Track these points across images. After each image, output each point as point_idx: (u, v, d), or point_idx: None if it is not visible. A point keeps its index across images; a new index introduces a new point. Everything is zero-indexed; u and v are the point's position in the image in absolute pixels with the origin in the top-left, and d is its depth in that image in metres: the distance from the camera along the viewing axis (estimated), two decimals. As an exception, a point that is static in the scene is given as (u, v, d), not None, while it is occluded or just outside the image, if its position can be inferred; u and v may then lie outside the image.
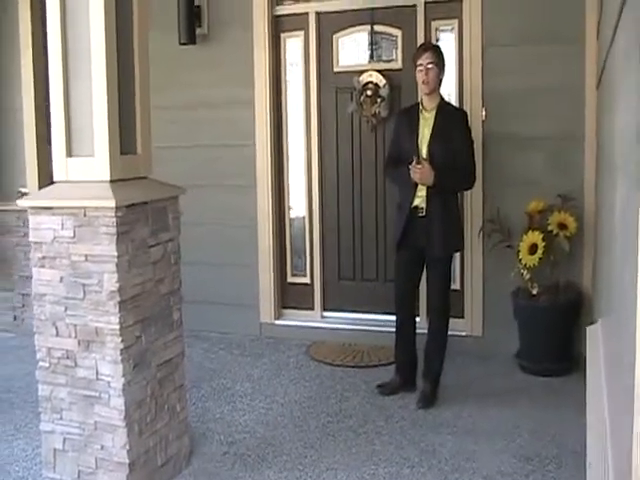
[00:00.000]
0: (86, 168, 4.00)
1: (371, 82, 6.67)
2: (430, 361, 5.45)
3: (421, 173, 5.13)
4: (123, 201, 3.88)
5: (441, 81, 5.36)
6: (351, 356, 6.46)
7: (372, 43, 6.74)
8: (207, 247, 7.19)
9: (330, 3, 6.84)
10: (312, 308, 7.15)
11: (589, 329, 3.64)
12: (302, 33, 6.95)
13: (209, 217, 7.19)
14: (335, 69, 6.89)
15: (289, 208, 7.20)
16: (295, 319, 7.18)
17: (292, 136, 7.14)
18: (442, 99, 5.40)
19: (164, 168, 6.94)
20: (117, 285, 3.88)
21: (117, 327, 3.90)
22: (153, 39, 6.98)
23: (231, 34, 7.00)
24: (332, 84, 6.89)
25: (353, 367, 6.23)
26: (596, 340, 3.35)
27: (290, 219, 7.22)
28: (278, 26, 7.01)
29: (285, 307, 7.26)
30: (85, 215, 3.92)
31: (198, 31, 6.97)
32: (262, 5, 6.87)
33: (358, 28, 6.79)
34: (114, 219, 3.84)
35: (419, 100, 5.45)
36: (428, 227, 5.24)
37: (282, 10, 6.99)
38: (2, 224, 7.47)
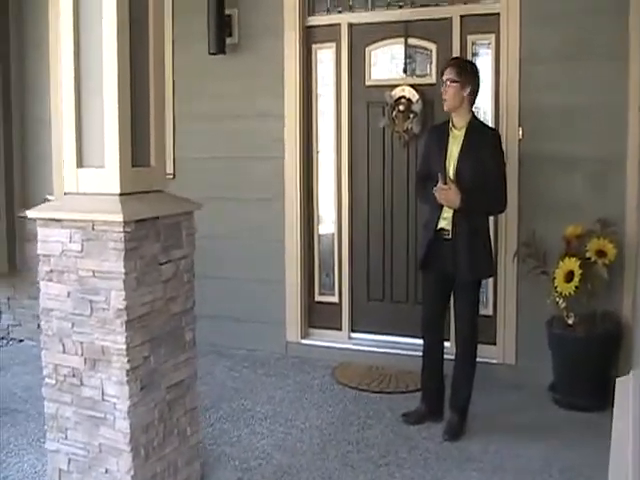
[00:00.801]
0: (96, 180, 3.85)
1: (404, 97, 6.48)
2: (457, 391, 5.22)
3: (446, 195, 4.93)
4: (132, 215, 3.71)
5: (470, 99, 5.12)
6: (377, 380, 6.23)
7: (406, 57, 6.54)
8: (233, 261, 7.07)
9: (363, 15, 6.68)
10: (340, 328, 6.96)
11: (619, 381, 3.35)
12: (334, 45, 6.78)
13: (236, 230, 7.05)
14: (367, 82, 6.71)
15: (318, 220, 7.02)
16: (322, 339, 6.98)
17: (322, 150, 6.98)
18: (474, 117, 5.18)
19: (191, 179, 7.01)
20: (124, 303, 3.71)
21: (124, 347, 3.73)
22: (182, 49, 7.11)
23: (262, 44, 6.86)
24: (364, 98, 6.71)
25: (378, 392, 6.00)
26: (626, 395, 3.08)
27: (319, 235, 7.04)
28: (310, 37, 6.85)
29: (312, 326, 7.07)
30: (93, 229, 3.76)
31: (228, 41, 6.83)
32: (293, 15, 6.72)
33: (391, 41, 6.61)
34: (122, 234, 3.67)
35: (450, 117, 5.23)
36: (454, 250, 5.03)
37: (314, 21, 6.83)
38: (29, 232, 7.36)
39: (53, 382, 4.00)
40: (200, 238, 6.63)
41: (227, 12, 6.79)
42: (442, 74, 5.14)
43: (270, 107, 6.83)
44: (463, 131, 5.08)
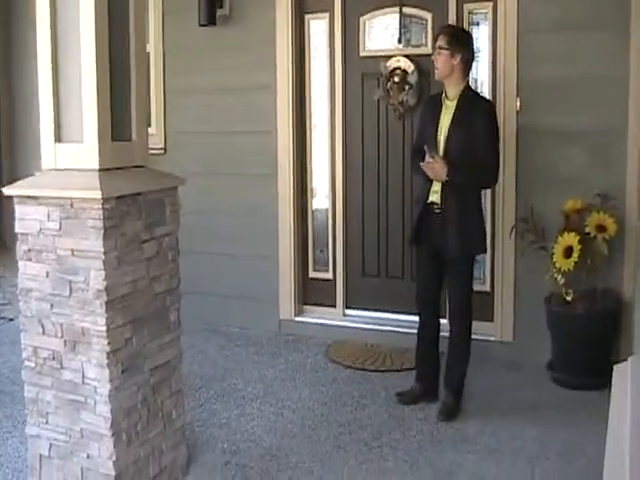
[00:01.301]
0: (75, 155, 3.71)
1: (399, 68, 6.30)
2: (451, 370, 5.09)
3: (433, 168, 4.80)
4: (112, 192, 3.56)
5: (463, 67, 4.93)
6: (372, 359, 6.11)
7: (401, 26, 6.33)
8: (226, 237, 6.94)
9: (357, -17, 6.49)
10: (334, 305, 6.83)
11: (616, 368, 3.21)
12: (327, 15, 6.59)
13: (227, 205, 6.92)
14: (361, 53, 6.53)
15: (312, 195, 6.87)
16: (316, 316, 6.86)
17: (315, 123, 6.81)
18: (468, 87, 5.02)
19: (183, 153, 6.90)
20: (104, 283, 3.56)
21: (104, 328, 3.60)
22: (172, 21, 6.96)
23: (253, 15, 6.68)
24: (358, 69, 6.53)
25: (373, 371, 5.88)
26: (624, 382, 2.94)
27: (313, 211, 6.90)
28: (302, 7, 6.66)
29: (306, 303, 6.94)
30: (72, 206, 3.61)
31: (219, 12, 6.65)
32: (285, -15, 6.54)
33: (386, 10, 6.41)
34: (101, 212, 3.52)
35: (443, 87, 5.08)
36: (443, 225, 4.89)
37: (307, -10, 6.66)
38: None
39: (33, 365, 3.87)
40: (192, 213, 6.58)
41: (218, -18, 6.63)
42: (435, 42, 4.99)
43: (262, 80, 6.67)
44: (455, 102, 4.92)
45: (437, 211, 4.93)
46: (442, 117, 4.94)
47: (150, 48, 7.04)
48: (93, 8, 3.54)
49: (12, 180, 6.98)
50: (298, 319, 6.85)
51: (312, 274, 6.94)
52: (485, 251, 5.23)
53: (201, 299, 6.80)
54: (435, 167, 4.78)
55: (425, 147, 4.81)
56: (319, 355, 6.26)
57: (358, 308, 6.76)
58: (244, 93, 6.76)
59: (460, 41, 4.92)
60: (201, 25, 6.62)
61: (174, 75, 7.03)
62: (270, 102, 6.67)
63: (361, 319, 6.69)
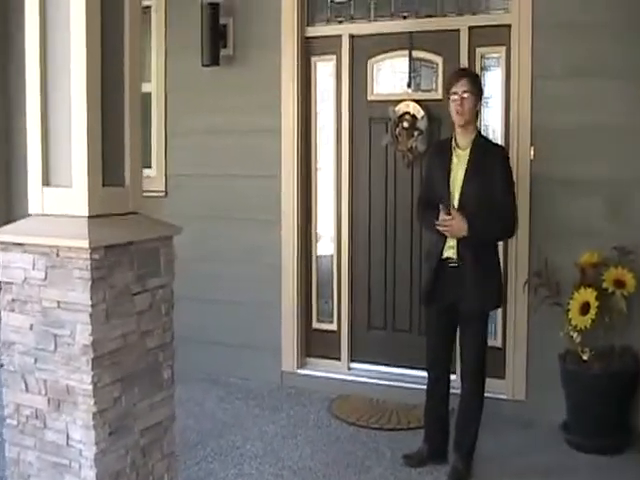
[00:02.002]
0: (63, 200, 3.46)
1: (408, 113, 6.12)
2: (462, 431, 4.82)
3: (451, 226, 4.55)
4: (100, 241, 3.31)
5: (478, 113, 4.80)
6: (377, 416, 5.85)
7: (410, 70, 6.17)
8: (228, 284, 6.75)
9: (365, 25, 6.32)
10: (338, 358, 6.58)
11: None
12: (334, 57, 6.44)
13: (231, 252, 6.74)
14: (369, 97, 6.36)
15: (317, 242, 6.67)
16: (319, 369, 6.62)
17: (321, 168, 6.63)
18: (479, 134, 4.82)
19: (184, 197, 6.78)
20: (91, 338, 3.31)
21: (90, 387, 3.33)
22: (174, 60, 6.78)
23: (258, 56, 6.53)
24: (366, 113, 6.36)
25: (378, 429, 5.62)
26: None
27: (317, 258, 6.69)
28: (309, 49, 6.50)
29: (309, 355, 6.71)
30: (58, 255, 3.37)
31: (223, 52, 6.52)
32: (291, 25, 6.39)
33: (395, 53, 6.26)
34: (88, 262, 3.27)
35: (452, 135, 4.87)
36: (460, 280, 4.63)
37: (313, 32, 6.49)
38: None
39: (15, 423, 3.60)
40: (193, 260, 6.41)
41: (222, 21, 6.49)
42: (450, 86, 4.76)
43: (266, 122, 6.50)
44: (468, 151, 4.70)
45: (452, 266, 4.70)
46: (454, 168, 4.72)
47: (152, 88, 6.95)
48: (84, 45, 3.33)
49: (7, 222, 6.80)
50: (301, 371, 6.62)
51: (316, 325, 6.72)
52: (500, 305, 5.01)
53: (201, 348, 6.64)
54: (453, 224, 4.54)
55: (441, 206, 4.56)
56: (322, 411, 6.00)
57: (363, 361, 6.52)
58: (248, 136, 6.59)
59: (480, 86, 4.79)
60: (204, 65, 6.48)
61: (176, 116, 6.89)
62: (274, 145, 6.49)
63: (366, 373, 6.45)
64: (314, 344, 6.69)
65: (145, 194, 6.73)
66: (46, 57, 3.48)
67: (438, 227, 4.58)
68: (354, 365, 6.54)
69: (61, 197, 3.47)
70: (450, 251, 4.69)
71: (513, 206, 4.69)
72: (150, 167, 7.00)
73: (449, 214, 4.53)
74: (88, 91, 3.35)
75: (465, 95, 4.65)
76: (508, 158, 4.85)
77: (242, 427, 5.67)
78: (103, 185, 3.47)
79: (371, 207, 6.42)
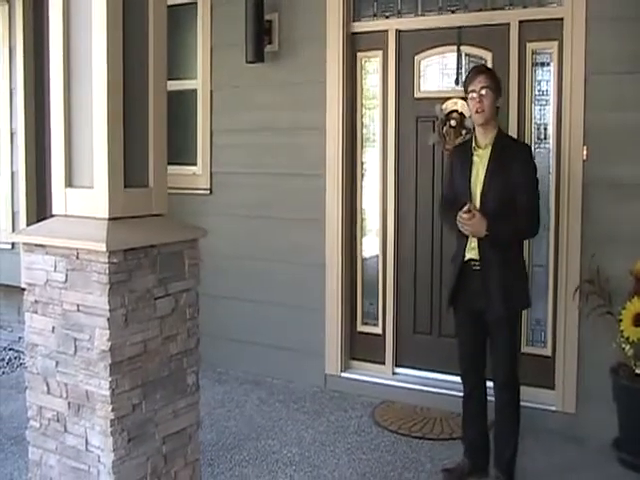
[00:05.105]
0: (85, 201, 3.42)
1: (456, 111, 5.96)
2: (500, 445, 4.64)
3: (471, 225, 4.39)
4: (119, 244, 3.23)
5: (497, 110, 4.62)
6: (420, 424, 5.69)
7: (458, 67, 5.98)
8: (270, 284, 6.66)
9: (412, 20, 6.15)
10: (383, 362, 6.43)
11: None
12: (380, 53, 6.28)
13: (273, 251, 6.65)
14: (416, 95, 6.19)
15: (362, 243, 6.52)
16: (363, 373, 6.47)
17: (366, 167, 6.49)
18: (500, 132, 4.64)
19: (228, 195, 6.77)
20: (108, 344, 3.24)
21: (107, 393, 3.27)
22: (219, 56, 6.71)
23: (303, 52, 6.42)
24: (412, 111, 6.19)
25: (420, 438, 5.46)
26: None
27: (362, 260, 6.53)
28: (354, 45, 6.36)
29: (353, 358, 6.55)
30: (78, 258, 3.32)
31: (268, 48, 6.43)
32: (337, 21, 6.25)
33: (443, 49, 6.07)
34: (106, 265, 3.20)
35: (473, 135, 4.74)
36: (483, 283, 4.49)
37: (359, 27, 6.34)
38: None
39: (37, 425, 3.58)
40: (236, 258, 6.30)
41: (267, 17, 6.40)
42: (468, 85, 4.60)
43: (311, 120, 6.39)
44: (489, 149, 4.55)
45: (476, 268, 4.55)
46: (474, 168, 4.58)
47: (197, 85, 6.92)
48: (105, 45, 3.27)
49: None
50: (344, 375, 6.47)
51: (360, 328, 6.57)
52: (529, 305, 4.79)
53: (243, 348, 6.65)
54: (473, 223, 4.39)
55: (468, 205, 4.41)
56: (364, 417, 5.86)
57: (408, 366, 6.36)
58: (293, 133, 6.50)
59: (498, 81, 4.63)
60: (249, 62, 6.41)
61: (221, 113, 6.83)
62: (319, 143, 6.38)
63: (411, 378, 6.29)
64: (358, 347, 6.55)
65: (190, 192, 6.79)
66: (69, 58, 3.45)
67: (458, 224, 4.44)
68: (398, 370, 6.39)
69: (83, 198, 3.43)
70: (472, 252, 4.55)
71: (535, 205, 4.50)
72: (195, 165, 6.97)
73: (469, 212, 4.38)
74: (109, 92, 3.30)
75: (483, 92, 4.51)
76: (531, 154, 4.69)
77: (280, 431, 5.57)
78: (125, 186, 3.40)
79: (417, 207, 6.25)
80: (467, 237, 4.54)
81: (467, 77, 4.70)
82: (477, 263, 4.52)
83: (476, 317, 4.61)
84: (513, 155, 4.51)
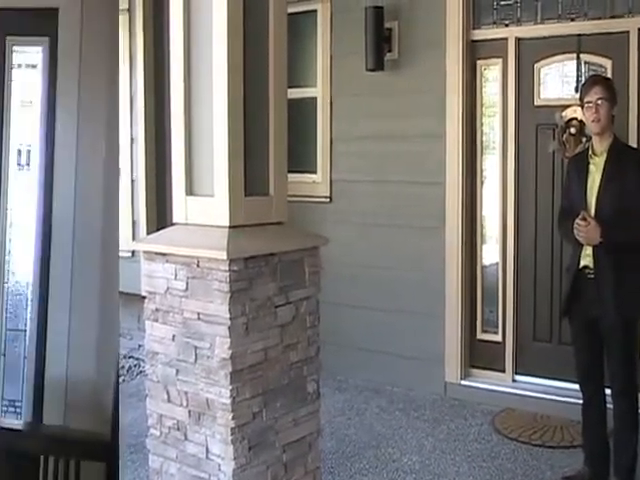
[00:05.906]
0: (205, 210, 3.47)
1: (575, 119, 5.83)
2: (619, 453, 4.52)
3: (586, 232, 4.33)
4: (240, 252, 3.27)
5: (613, 119, 4.54)
6: (540, 432, 5.60)
7: (578, 74, 5.89)
8: (389, 292, 6.63)
9: (532, 28, 6.07)
10: (503, 370, 6.35)
11: None
12: (500, 61, 6.22)
13: (391, 259, 6.61)
14: (536, 102, 6.11)
15: (482, 251, 6.46)
16: (483, 381, 6.40)
17: (485, 175, 6.43)
18: (615, 139, 4.55)
19: (347, 202, 6.80)
20: (229, 352, 3.27)
21: (228, 401, 3.30)
22: (339, 64, 6.73)
23: (423, 60, 6.38)
24: (532, 119, 6.11)
25: (540, 446, 5.37)
26: None
27: (482, 267, 6.47)
28: (474, 52, 6.31)
29: (473, 366, 6.49)
30: (198, 266, 3.36)
31: (388, 56, 6.43)
32: (457, 29, 6.21)
33: (562, 57, 5.99)
34: (227, 274, 3.24)
35: (589, 144, 4.69)
36: (599, 290, 4.40)
37: (479, 35, 6.28)
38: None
39: (157, 434, 3.64)
40: (356, 266, 6.31)
41: (387, 25, 6.40)
42: (584, 95, 4.56)
43: (431, 128, 6.35)
44: (604, 157, 4.49)
45: (591, 276, 4.47)
46: (590, 176, 4.53)
47: (318, 93, 6.95)
48: (226, 53, 3.31)
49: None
50: (464, 382, 6.42)
51: (480, 335, 6.50)
52: None
53: (363, 356, 6.63)
54: (588, 229, 4.33)
55: (583, 213, 4.36)
56: (484, 425, 5.79)
57: (528, 374, 6.27)
58: (412, 141, 6.46)
59: (614, 91, 4.57)
60: (368, 70, 6.41)
61: (341, 121, 6.84)
62: (439, 151, 6.33)
63: (531, 386, 6.19)
64: (478, 355, 6.48)
65: (310, 200, 6.81)
66: (189, 68, 3.49)
67: (574, 231, 4.38)
68: (518, 377, 6.30)
69: (204, 207, 3.47)
70: (587, 259, 4.47)
71: None
72: (315, 173, 7.00)
73: (584, 220, 4.32)
74: (230, 101, 3.34)
75: (599, 102, 4.46)
76: None
77: (401, 439, 5.55)
78: (246, 195, 3.43)
79: (537, 214, 6.17)
80: (582, 245, 4.47)
81: (583, 88, 4.68)
82: (591, 271, 4.45)
83: (591, 326, 4.53)
84: (629, 161, 4.45)
